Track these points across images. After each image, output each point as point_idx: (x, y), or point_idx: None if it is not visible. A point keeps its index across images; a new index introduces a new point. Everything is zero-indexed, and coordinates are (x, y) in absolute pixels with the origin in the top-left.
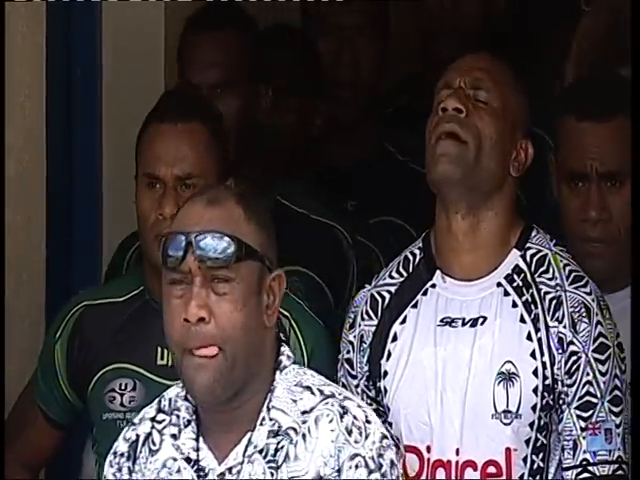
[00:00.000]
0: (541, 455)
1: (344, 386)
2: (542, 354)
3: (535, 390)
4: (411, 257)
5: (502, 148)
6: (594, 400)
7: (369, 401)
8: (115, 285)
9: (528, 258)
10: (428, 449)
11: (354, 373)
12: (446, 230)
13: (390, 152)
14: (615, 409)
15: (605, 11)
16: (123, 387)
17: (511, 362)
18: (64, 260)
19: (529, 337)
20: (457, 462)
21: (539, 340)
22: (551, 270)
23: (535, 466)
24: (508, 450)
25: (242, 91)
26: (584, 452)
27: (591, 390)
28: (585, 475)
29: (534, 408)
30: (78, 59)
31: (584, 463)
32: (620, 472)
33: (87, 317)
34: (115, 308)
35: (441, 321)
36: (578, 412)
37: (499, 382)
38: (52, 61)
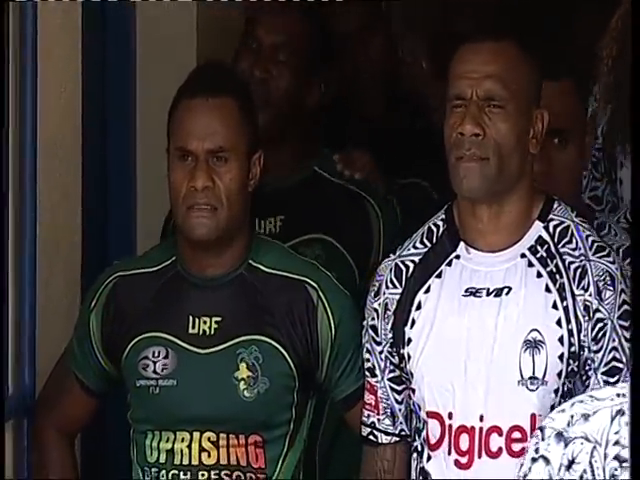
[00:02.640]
0: None
1: (368, 352)
2: (568, 322)
3: (561, 357)
4: (434, 229)
5: (521, 142)
6: (620, 365)
7: (392, 367)
8: (148, 256)
9: (551, 229)
10: (450, 416)
11: (378, 339)
12: (470, 213)
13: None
14: None
15: None
16: (156, 355)
17: (537, 330)
18: (100, 236)
19: (555, 306)
20: (481, 428)
21: (565, 308)
22: (574, 241)
23: None
24: (533, 416)
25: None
26: None
27: (617, 356)
28: None
29: (559, 375)
30: (113, 53)
31: None
32: None
33: (120, 287)
34: (148, 278)
35: (465, 291)
36: (605, 377)
37: (525, 350)
38: (88, 55)
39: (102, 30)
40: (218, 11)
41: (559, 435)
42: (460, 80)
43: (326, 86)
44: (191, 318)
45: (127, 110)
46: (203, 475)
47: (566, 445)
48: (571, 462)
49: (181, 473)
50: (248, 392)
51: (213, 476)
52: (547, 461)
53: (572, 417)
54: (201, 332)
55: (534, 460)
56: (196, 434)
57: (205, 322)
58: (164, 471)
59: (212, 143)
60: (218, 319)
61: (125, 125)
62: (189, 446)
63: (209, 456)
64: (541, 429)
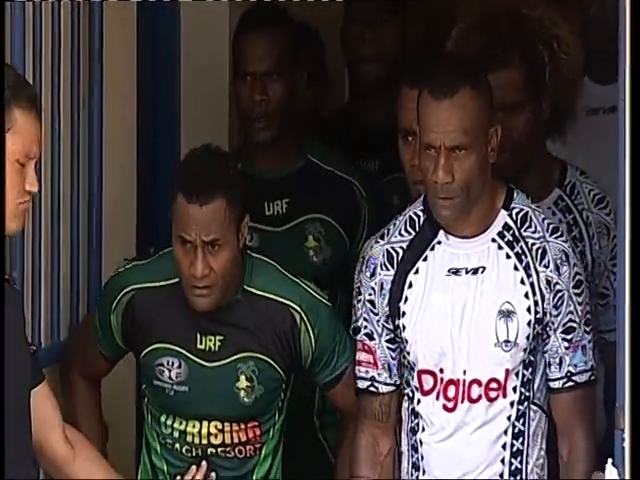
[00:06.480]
0: (530, 370)
1: (366, 320)
2: (534, 294)
3: (529, 323)
4: (415, 218)
5: (483, 164)
6: (574, 325)
7: (388, 332)
8: (160, 267)
9: (514, 216)
10: (441, 371)
11: (376, 311)
12: None
13: None
14: (588, 329)
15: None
16: (170, 364)
17: (509, 302)
18: (150, 208)
19: (522, 281)
20: (464, 380)
21: (531, 284)
22: (534, 225)
23: (525, 379)
24: (507, 370)
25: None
26: (568, 365)
27: (572, 318)
28: (570, 384)
29: (527, 337)
30: (161, 47)
31: (568, 374)
32: (593, 377)
33: (137, 300)
34: (161, 292)
35: (448, 271)
36: (563, 335)
37: (500, 318)
38: (142, 49)
39: (153, 29)
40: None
41: None
42: (428, 132)
43: (308, 84)
44: (199, 335)
45: (173, 106)
46: (211, 451)
47: None
48: None
49: (193, 448)
50: (247, 398)
51: (219, 451)
52: None
53: None
54: (207, 348)
55: None
56: (205, 422)
57: (210, 340)
58: (177, 445)
59: (207, 237)
60: (221, 338)
61: (172, 118)
62: (199, 431)
63: (216, 437)
64: None
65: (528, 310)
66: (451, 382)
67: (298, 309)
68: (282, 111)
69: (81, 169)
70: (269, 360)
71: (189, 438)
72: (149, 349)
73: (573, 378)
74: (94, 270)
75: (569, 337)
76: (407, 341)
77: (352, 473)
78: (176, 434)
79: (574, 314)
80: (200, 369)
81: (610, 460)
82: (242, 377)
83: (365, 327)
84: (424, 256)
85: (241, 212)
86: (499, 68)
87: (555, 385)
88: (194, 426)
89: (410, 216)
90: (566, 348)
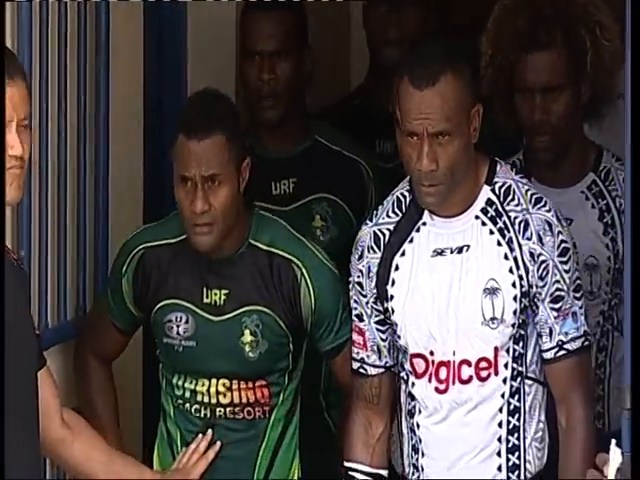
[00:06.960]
0: (521, 344)
1: (356, 302)
2: (518, 268)
3: (515, 298)
4: (402, 198)
5: (466, 145)
6: (562, 293)
7: (377, 313)
8: (168, 225)
9: (497, 190)
10: (431, 353)
11: (364, 293)
12: None
13: None
14: (577, 295)
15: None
16: (178, 319)
17: (494, 279)
18: (157, 184)
19: (506, 257)
20: (454, 361)
21: (515, 258)
22: (516, 198)
23: (517, 354)
24: (496, 348)
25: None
26: (559, 334)
27: (559, 286)
28: (562, 352)
29: (514, 312)
30: (168, 45)
31: (560, 343)
32: (587, 343)
33: (147, 257)
34: (169, 249)
35: (433, 252)
36: (551, 305)
37: (485, 296)
38: (148, 46)
39: (159, 30)
40: None
41: None
42: (410, 120)
43: (312, 63)
44: (205, 289)
45: (180, 104)
46: (220, 411)
47: None
48: None
49: (202, 408)
50: (252, 353)
51: (228, 411)
52: None
53: None
54: (213, 302)
55: None
56: (213, 380)
57: (216, 294)
58: (188, 404)
59: (206, 172)
60: (226, 292)
61: (177, 103)
62: (208, 390)
63: (224, 397)
64: None
65: (513, 285)
66: (442, 364)
67: (300, 265)
68: (290, 90)
69: (88, 167)
70: (272, 314)
71: (199, 397)
72: (159, 305)
73: (565, 346)
74: (101, 251)
75: (557, 306)
76: (397, 325)
77: (345, 456)
78: (187, 394)
79: (561, 282)
80: (206, 323)
81: (614, 441)
82: (246, 331)
83: (355, 308)
84: (410, 238)
85: (241, 151)
86: (540, 49)
87: (548, 355)
88: (203, 384)
89: (397, 197)
90: (555, 317)
